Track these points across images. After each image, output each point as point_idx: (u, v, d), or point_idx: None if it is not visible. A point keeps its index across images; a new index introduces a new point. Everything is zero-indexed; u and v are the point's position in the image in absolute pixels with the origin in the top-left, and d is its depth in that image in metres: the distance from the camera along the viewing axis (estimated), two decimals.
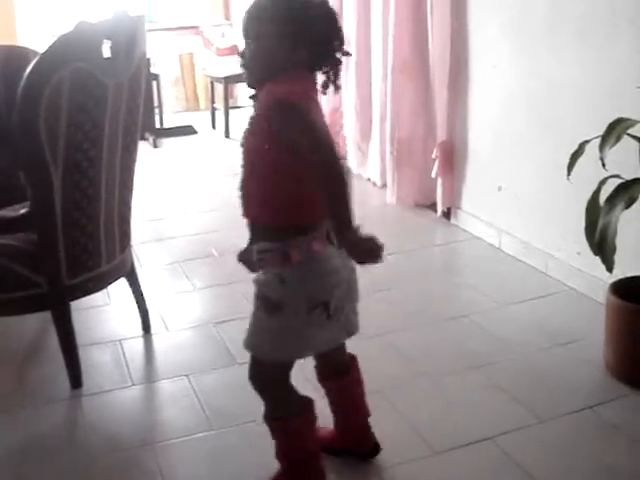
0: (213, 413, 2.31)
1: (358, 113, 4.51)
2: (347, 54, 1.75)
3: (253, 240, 1.80)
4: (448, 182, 3.83)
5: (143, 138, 5.58)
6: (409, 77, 3.91)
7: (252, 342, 1.79)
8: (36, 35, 5.34)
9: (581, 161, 2.37)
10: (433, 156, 3.82)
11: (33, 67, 2.14)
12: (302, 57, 1.67)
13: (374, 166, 4.45)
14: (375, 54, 4.27)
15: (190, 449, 2.15)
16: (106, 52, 2.30)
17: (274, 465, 1.89)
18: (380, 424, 2.08)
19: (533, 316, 2.87)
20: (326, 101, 4.89)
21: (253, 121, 1.71)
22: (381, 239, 1.56)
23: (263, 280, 1.76)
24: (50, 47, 2.16)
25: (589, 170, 2.35)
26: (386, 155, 4.14)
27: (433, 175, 3.84)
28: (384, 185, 4.28)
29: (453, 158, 3.80)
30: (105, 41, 2.29)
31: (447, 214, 3.91)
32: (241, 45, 1.74)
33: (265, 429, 1.86)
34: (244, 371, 1.84)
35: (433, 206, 3.97)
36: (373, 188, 4.41)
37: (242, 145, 1.73)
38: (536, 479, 1.99)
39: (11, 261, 2.33)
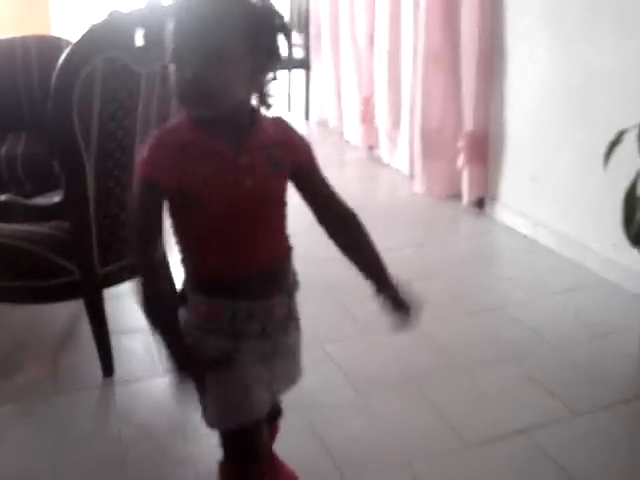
0: None
1: (389, 103, 4.48)
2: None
3: (274, 291, 1.50)
4: (478, 172, 3.79)
5: None
6: (440, 67, 3.87)
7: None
8: (70, 25, 5.37)
9: (618, 151, 2.33)
10: (459, 146, 3.79)
11: (65, 57, 2.14)
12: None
13: (403, 156, 4.42)
14: (406, 43, 4.23)
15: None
16: (139, 41, 2.29)
17: (291, 453, 1.88)
18: (411, 415, 2.07)
19: (568, 308, 2.84)
20: (358, 90, 4.88)
21: (278, 160, 1.42)
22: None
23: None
24: (82, 36, 2.16)
25: (627, 160, 2.31)
26: (415, 145, 4.11)
27: (459, 165, 3.81)
28: (412, 175, 4.26)
29: (484, 148, 3.77)
30: (138, 30, 2.29)
31: (480, 204, 3.88)
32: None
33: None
34: None
35: (465, 197, 3.94)
36: (402, 178, 4.39)
37: (257, 194, 1.40)
38: (570, 473, 1.96)
39: (44, 249, 2.34)
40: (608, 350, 2.54)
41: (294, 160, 1.46)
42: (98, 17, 2.24)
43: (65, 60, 2.14)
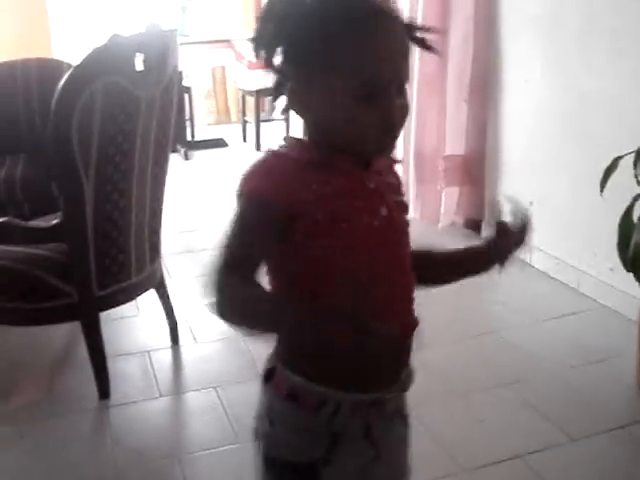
0: (240, 426, 2.30)
1: None
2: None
3: (399, 375, 1.21)
4: (474, 196, 3.83)
5: (174, 150, 5.62)
6: (434, 92, 3.89)
7: None
8: (71, 48, 5.41)
9: (614, 176, 2.34)
10: (441, 169, 3.82)
11: (66, 80, 2.16)
12: None
13: None
14: None
15: (216, 462, 2.14)
16: (139, 65, 2.32)
17: None
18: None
19: (564, 333, 2.84)
20: None
21: (397, 188, 1.19)
22: None
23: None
24: (83, 60, 2.19)
25: (623, 186, 2.32)
26: (409, 171, 4.12)
27: (438, 188, 3.87)
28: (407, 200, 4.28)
29: (481, 172, 3.79)
30: (138, 54, 2.31)
31: (477, 228, 3.88)
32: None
33: None
34: None
35: (453, 222, 3.98)
36: None
37: (393, 225, 1.15)
38: None
39: (42, 271, 2.35)
40: (604, 375, 2.53)
41: (400, 188, 1.21)
42: (99, 40, 2.26)
43: (65, 83, 2.16)
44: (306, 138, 1.12)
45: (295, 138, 1.14)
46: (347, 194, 1.08)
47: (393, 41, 1.06)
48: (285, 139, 1.14)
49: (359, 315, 1.00)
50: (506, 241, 1.30)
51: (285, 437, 1.14)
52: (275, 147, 1.13)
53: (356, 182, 1.10)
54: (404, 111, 1.07)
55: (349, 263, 1.08)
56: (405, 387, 1.21)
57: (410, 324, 1.20)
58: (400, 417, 1.23)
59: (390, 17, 1.07)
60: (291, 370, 1.12)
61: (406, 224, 1.17)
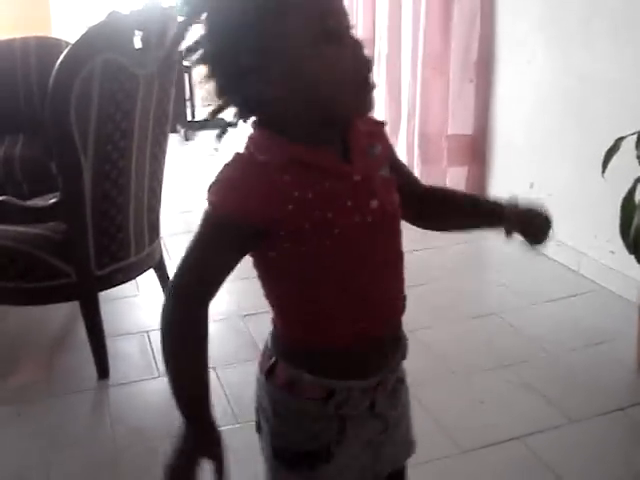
0: (239, 406, 2.30)
1: (387, 107, 4.48)
2: None
3: (398, 358, 1.19)
4: (475, 176, 3.83)
5: (174, 131, 5.60)
6: (439, 72, 3.87)
7: None
8: (71, 27, 5.37)
9: (616, 158, 2.32)
10: (455, 149, 3.82)
11: (64, 57, 2.14)
12: None
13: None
14: (405, 48, 4.23)
15: None
16: (137, 43, 2.29)
17: None
18: None
19: (565, 315, 2.83)
20: None
21: (382, 159, 1.13)
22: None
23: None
24: (81, 37, 2.16)
25: (624, 167, 2.30)
26: (414, 150, 4.11)
27: (442, 167, 3.87)
28: None
29: (482, 153, 3.78)
30: (136, 32, 2.29)
31: None
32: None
33: None
34: None
35: None
36: None
37: (386, 215, 1.08)
38: None
39: (41, 250, 2.34)
40: (605, 358, 2.53)
41: (388, 153, 1.15)
42: (98, 18, 2.24)
43: (63, 61, 2.14)
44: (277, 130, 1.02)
45: (264, 131, 1.03)
46: (334, 196, 1.01)
47: None
48: (253, 127, 1.05)
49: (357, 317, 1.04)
50: (532, 219, 1.26)
51: (295, 427, 1.13)
52: (244, 148, 1.04)
53: (341, 178, 1.02)
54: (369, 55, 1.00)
55: (344, 265, 1.04)
56: (404, 355, 1.19)
57: (402, 308, 1.16)
58: (402, 384, 1.22)
59: None
60: (294, 366, 1.09)
61: (397, 207, 1.11)
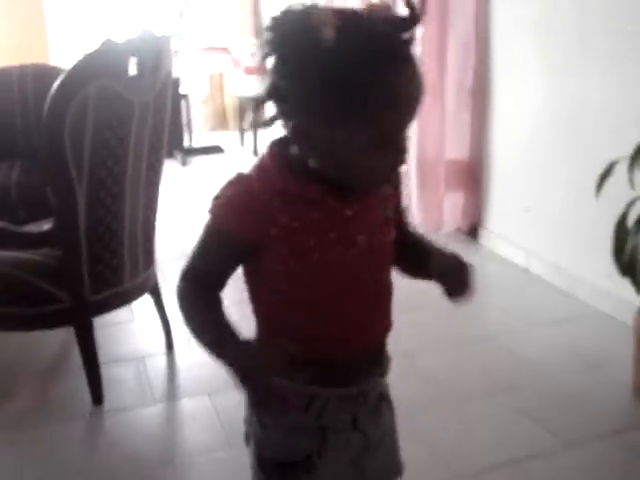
0: (233, 432, 2.28)
1: None
2: None
3: (379, 372, 1.24)
4: (471, 202, 3.84)
5: (171, 156, 5.63)
6: (435, 99, 3.90)
7: None
8: (68, 54, 5.41)
9: (609, 182, 2.33)
10: (452, 175, 3.83)
11: (59, 84, 2.15)
12: None
13: None
14: None
15: (210, 468, 2.13)
16: (132, 70, 2.31)
17: None
18: (401, 447, 2.05)
19: (561, 339, 2.83)
20: None
21: (386, 199, 1.17)
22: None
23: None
24: (76, 64, 2.18)
25: (617, 191, 2.32)
26: (411, 177, 4.12)
27: (440, 194, 3.88)
28: (408, 206, 4.27)
29: (478, 178, 3.79)
30: (131, 59, 2.30)
31: (474, 234, 3.88)
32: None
33: None
34: None
35: (459, 227, 3.97)
36: None
37: (373, 252, 1.14)
38: None
39: (35, 276, 2.34)
40: (601, 381, 2.52)
41: (395, 195, 1.20)
42: (94, 46, 2.26)
43: (58, 87, 2.15)
44: (289, 152, 1.08)
45: (274, 160, 1.09)
46: (319, 228, 1.07)
47: (415, 89, 1.03)
48: (270, 147, 1.11)
49: (343, 335, 1.11)
50: (451, 271, 1.19)
51: (278, 437, 1.18)
52: (249, 170, 1.10)
53: (332, 213, 1.08)
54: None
55: (320, 289, 1.10)
56: (384, 373, 1.24)
57: (387, 328, 1.22)
58: (385, 402, 1.27)
59: (412, 61, 1.02)
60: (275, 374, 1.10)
61: (389, 245, 1.16)
